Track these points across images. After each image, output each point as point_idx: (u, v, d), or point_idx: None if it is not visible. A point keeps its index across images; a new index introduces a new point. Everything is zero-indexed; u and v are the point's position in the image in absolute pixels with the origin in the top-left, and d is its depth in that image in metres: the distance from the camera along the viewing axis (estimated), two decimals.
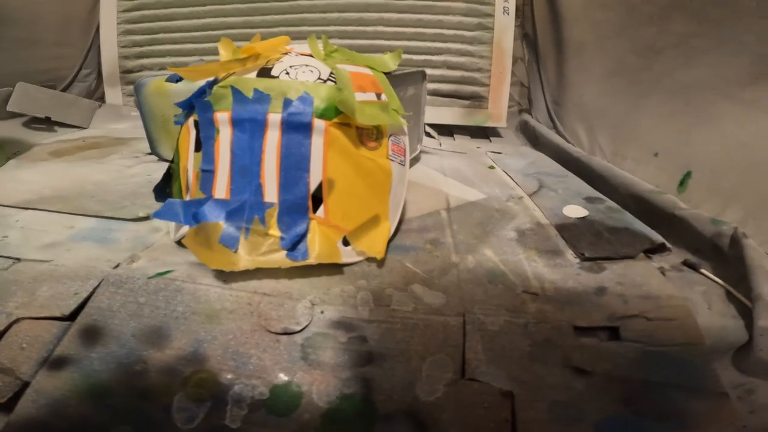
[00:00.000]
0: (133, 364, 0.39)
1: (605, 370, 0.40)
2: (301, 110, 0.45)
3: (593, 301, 0.46)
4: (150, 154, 0.89)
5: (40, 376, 0.38)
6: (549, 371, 0.40)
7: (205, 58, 1.02)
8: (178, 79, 0.76)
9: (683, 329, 0.42)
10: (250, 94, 0.46)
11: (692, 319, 0.43)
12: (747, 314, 0.43)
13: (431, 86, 1.11)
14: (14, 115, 1.01)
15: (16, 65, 1.07)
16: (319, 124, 0.46)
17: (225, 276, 0.46)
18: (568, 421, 0.38)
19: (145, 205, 0.61)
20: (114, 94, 1.31)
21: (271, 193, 0.46)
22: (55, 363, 0.39)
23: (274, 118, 0.45)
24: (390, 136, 0.53)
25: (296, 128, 0.45)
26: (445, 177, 0.78)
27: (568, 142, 0.95)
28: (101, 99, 1.32)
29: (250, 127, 0.45)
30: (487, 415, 0.38)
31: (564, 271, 0.51)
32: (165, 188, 0.54)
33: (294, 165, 0.46)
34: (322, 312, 0.43)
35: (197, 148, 0.48)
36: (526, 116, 1.16)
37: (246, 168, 0.46)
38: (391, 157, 0.52)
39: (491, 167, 0.87)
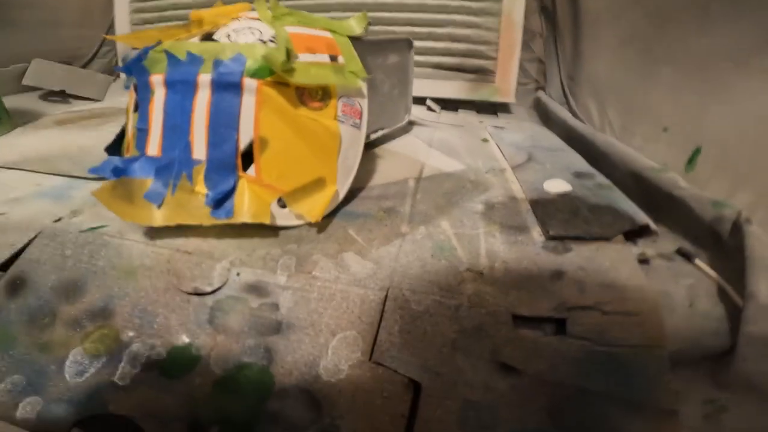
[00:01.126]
0: (42, 317, 0.34)
1: (537, 370, 0.29)
2: (231, 70, 0.39)
3: (545, 287, 0.35)
4: None
5: None
6: (471, 364, 0.30)
7: None
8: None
9: (643, 328, 0.30)
10: (183, 57, 0.40)
11: (657, 317, 0.30)
12: (736, 316, 0.29)
13: (434, 59, 0.96)
14: (32, 89, 0.98)
15: (38, 45, 1.04)
16: (250, 83, 0.39)
17: (153, 233, 0.39)
18: (477, 427, 0.28)
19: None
20: None
21: (199, 150, 0.39)
22: None
23: (204, 78, 0.39)
24: (341, 97, 0.43)
25: (225, 87, 0.39)
26: (429, 148, 0.66)
27: (578, 118, 0.78)
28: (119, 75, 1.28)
29: (181, 88, 0.40)
30: (384, 406, 0.29)
31: (523, 250, 0.39)
32: (117, 148, 0.49)
33: (222, 123, 0.39)
34: (237, 274, 0.36)
35: (135, 109, 0.43)
36: (540, 93, 0.98)
37: (176, 126, 0.39)
38: (340, 119, 0.43)
39: (485, 140, 0.74)
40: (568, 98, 0.87)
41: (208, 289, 0.35)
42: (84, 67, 1.17)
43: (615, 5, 0.70)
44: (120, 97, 1.11)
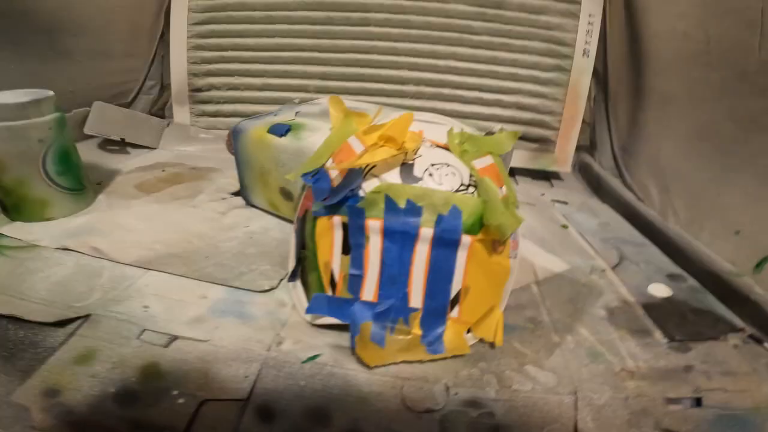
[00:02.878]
0: None
1: (688, 430, 0.64)
2: (451, 227, 0.64)
3: (681, 377, 0.71)
4: (235, 194, 1.16)
5: None
6: None
7: (297, 100, 1.24)
8: (282, 133, 0.97)
9: (752, 397, 0.67)
10: (402, 203, 0.65)
11: (759, 389, 0.68)
12: None
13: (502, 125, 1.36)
14: (89, 136, 1.29)
15: (90, 79, 1.37)
16: (465, 240, 0.65)
17: None
18: None
19: (261, 272, 0.86)
20: (182, 113, 1.59)
21: (416, 299, 0.68)
22: None
23: (426, 232, 0.65)
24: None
25: (446, 244, 0.65)
26: (524, 239, 1.02)
27: (637, 196, 1.20)
28: (161, 111, 1.64)
29: (401, 239, 0.65)
30: None
31: (654, 350, 0.75)
32: (296, 270, 0.77)
33: (441, 278, 0.67)
34: (456, 393, 0.67)
35: (345, 251, 0.70)
36: (587, 158, 1.41)
37: (394, 277, 0.67)
38: (510, 255, 0.74)
39: (564, 226, 1.12)
40: (621, 170, 1.29)
41: (437, 407, 0.66)
42: (131, 103, 1.51)
43: (695, 96, 1.08)
44: (177, 145, 1.50)
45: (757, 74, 0.93)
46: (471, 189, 0.69)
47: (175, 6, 1.52)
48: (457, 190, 0.68)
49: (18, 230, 0.94)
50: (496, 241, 0.69)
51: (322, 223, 0.71)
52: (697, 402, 0.67)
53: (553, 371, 0.71)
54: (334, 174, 0.71)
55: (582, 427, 0.64)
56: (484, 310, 0.72)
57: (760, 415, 0.65)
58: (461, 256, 0.68)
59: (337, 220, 0.69)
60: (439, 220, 0.66)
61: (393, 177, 0.68)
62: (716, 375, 0.71)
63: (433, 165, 0.69)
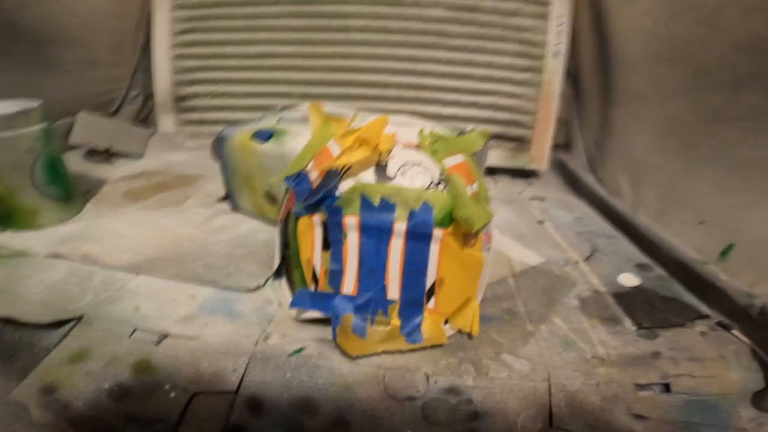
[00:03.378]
0: (295, 429, 0.64)
1: (658, 415, 0.67)
2: (423, 221, 0.69)
3: (650, 363, 0.74)
4: (223, 199, 1.18)
5: None
6: (616, 417, 0.67)
7: (278, 105, 1.26)
8: (265, 139, 1.00)
9: (720, 384, 0.70)
10: (376, 201, 0.70)
11: (726, 375, 0.71)
12: (765, 367, 0.71)
13: (481, 126, 1.39)
14: (75, 146, 1.31)
15: (76, 88, 1.40)
16: (437, 233, 0.70)
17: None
18: None
19: (249, 272, 0.89)
20: (167, 122, 1.61)
21: (393, 291, 0.71)
22: (234, 431, 0.63)
23: (400, 227, 0.69)
24: (483, 229, 0.78)
25: (419, 237, 0.70)
26: (502, 235, 1.05)
27: (609, 191, 1.23)
28: (145, 120, 1.66)
29: (377, 234, 0.70)
30: None
31: (624, 338, 0.78)
32: (281, 269, 0.80)
33: (415, 270, 0.71)
34: (435, 382, 0.69)
35: (325, 247, 0.73)
36: (564, 156, 1.45)
37: (372, 270, 0.71)
38: (483, 249, 0.78)
39: (540, 222, 1.15)
40: (594, 166, 1.33)
41: (417, 395, 0.68)
42: (115, 113, 1.52)
43: (661, 92, 1.13)
44: (162, 154, 1.50)
45: (717, 69, 0.97)
46: (441, 186, 0.73)
47: (158, 16, 1.53)
48: (428, 188, 0.72)
49: (9, 239, 0.96)
50: (467, 234, 0.72)
51: (303, 222, 0.75)
52: (666, 388, 0.70)
53: (528, 359, 0.74)
54: (314, 176, 0.74)
55: (556, 412, 0.67)
56: (460, 301, 0.75)
57: (729, 400, 0.68)
58: (434, 248, 0.71)
59: (317, 218, 0.73)
60: (412, 215, 0.70)
61: (368, 177, 0.72)
62: (683, 361, 0.74)
63: (405, 165, 0.73)
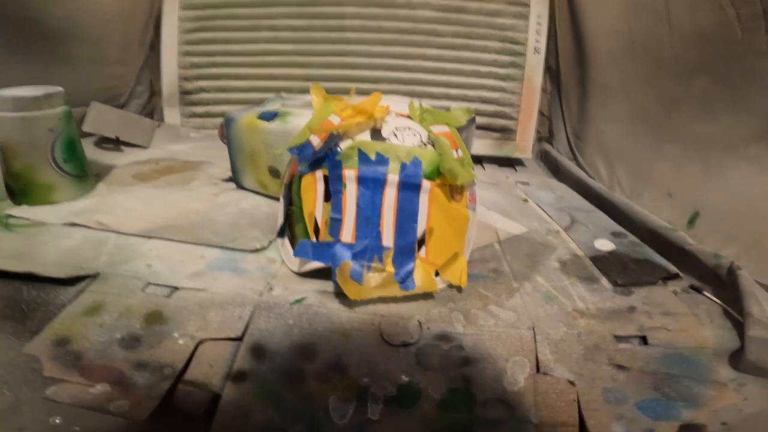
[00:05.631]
0: (295, 374, 0.64)
1: (638, 366, 0.68)
2: (413, 173, 0.72)
3: (626, 317, 0.75)
4: (227, 180, 1.19)
5: (227, 388, 0.61)
6: (599, 367, 0.68)
7: (284, 94, 1.29)
8: (270, 118, 1.02)
9: (693, 336, 0.71)
10: (372, 156, 0.73)
11: (699, 330, 0.72)
12: (739, 327, 0.72)
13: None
14: (85, 135, 1.29)
15: (86, 83, 1.40)
16: (426, 184, 0.73)
17: (349, 302, 0.71)
18: (616, 402, 0.65)
19: (252, 236, 0.90)
20: (173, 114, 1.63)
21: (387, 238, 0.72)
22: (237, 377, 0.62)
23: (393, 178, 0.72)
24: (468, 188, 0.80)
25: (410, 187, 0.72)
26: (489, 210, 1.07)
27: (589, 175, 1.26)
28: (151, 114, 1.66)
29: (372, 185, 0.72)
30: (558, 398, 0.65)
31: (601, 294, 0.79)
32: (284, 228, 0.82)
33: (407, 217, 0.72)
34: (428, 328, 0.70)
35: (326, 199, 0.75)
36: (546, 146, 1.48)
37: (368, 218, 0.72)
38: (468, 207, 0.79)
39: (525, 200, 1.17)
40: (575, 154, 1.35)
41: (411, 341, 0.69)
42: (122, 107, 1.52)
43: (627, 84, 1.19)
44: (167, 144, 1.50)
45: (671, 60, 1.03)
46: (429, 146, 0.77)
47: (167, 16, 1.55)
48: (418, 146, 0.76)
49: (25, 211, 0.95)
50: (453, 189, 0.76)
51: (306, 179, 0.77)
52: (644, 340, 0.71)
53: (514, 310, 0.74)
54: (316, 141, 0.76)
55: (542, 359, 0.68)
56: (449, 254, 0.76)
57: (705, 355, 0.69)
58: (423, 198, 0.74)
59: (319, 173, 0.76)
60: (403, 167, 0.73)
61: (364, 138, 0.76)
62: (657, 315, 0.75)
63: (397, 128, 0.77)
